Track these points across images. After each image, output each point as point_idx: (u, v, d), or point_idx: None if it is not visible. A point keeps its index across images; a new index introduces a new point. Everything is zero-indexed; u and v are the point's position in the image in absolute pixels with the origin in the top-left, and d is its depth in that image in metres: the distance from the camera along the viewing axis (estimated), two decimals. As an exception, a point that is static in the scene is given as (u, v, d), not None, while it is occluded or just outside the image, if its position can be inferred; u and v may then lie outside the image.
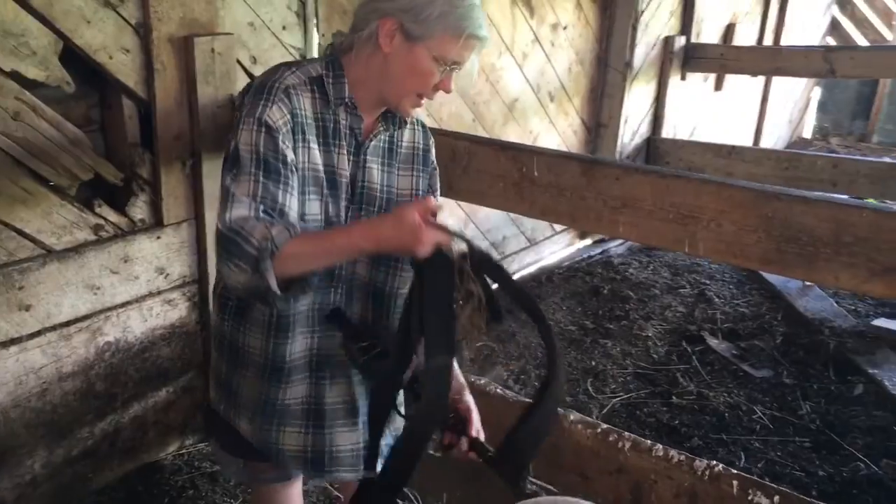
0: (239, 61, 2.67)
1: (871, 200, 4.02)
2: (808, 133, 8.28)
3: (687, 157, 5.26)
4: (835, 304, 4.31)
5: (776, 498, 1.88)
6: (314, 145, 1.55)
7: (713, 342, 3.96)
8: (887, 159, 5.72)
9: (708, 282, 4.71)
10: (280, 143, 1.47)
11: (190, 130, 2.57)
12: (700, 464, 1.99)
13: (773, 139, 7.46)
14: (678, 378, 3.64)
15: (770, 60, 5.28)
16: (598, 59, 5.06)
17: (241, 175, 1.46)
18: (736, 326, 4.14)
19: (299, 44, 2.98)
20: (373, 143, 1.62)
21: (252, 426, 1.68)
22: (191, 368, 2.85)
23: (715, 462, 1.98)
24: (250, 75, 2.83)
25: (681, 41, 5.35)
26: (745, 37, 6.30)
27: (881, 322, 4.03)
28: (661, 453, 2.04)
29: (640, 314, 4.25)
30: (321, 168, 1.56)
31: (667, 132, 5.53)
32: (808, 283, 4.51)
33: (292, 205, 1.48)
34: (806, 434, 3.23)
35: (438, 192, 1.74)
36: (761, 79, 6.72)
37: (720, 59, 5.37)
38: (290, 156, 1.49)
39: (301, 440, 1.67)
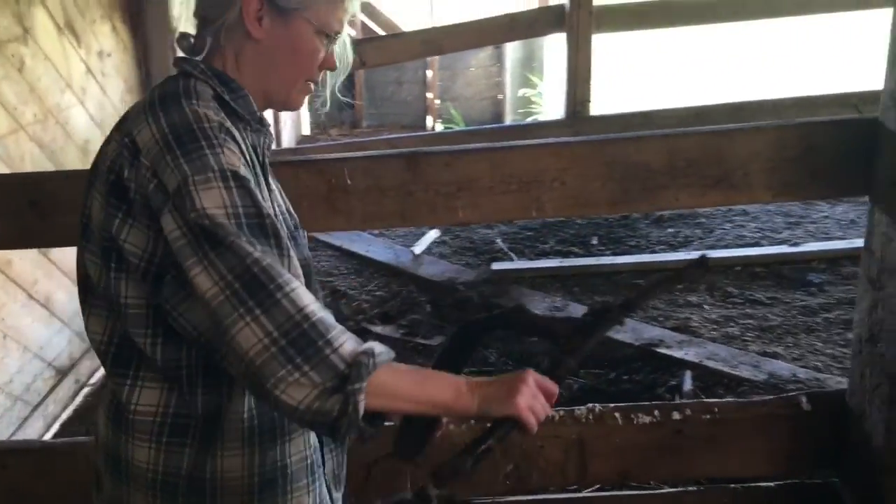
0: None
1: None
2: (307, 130, 8.78)
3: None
4: (449, 264, 4.75)
5: (655, 412, 2.08)
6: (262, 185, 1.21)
7: (378, 329, 4.06)
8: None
9: (331, 279, 4.76)
10: (258, 196, 1.09)
11: None
12: (580, 411, 2.08)
13: (288, 140, 7.75)
14: (375, 372, 3.66)
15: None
16: (143, 85, 4.67)
17: (247, 249, 1.03)
18: (385, 309, 4.29)
19: None
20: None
21: None
22: None
23: (592, 404, 2.09)
24: None
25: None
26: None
27: (496, 266, 4.58)
28: (540, 418, 2.07)
29: (295, 329, 4.12)
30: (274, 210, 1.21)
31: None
32: (416, 253, 4.88)
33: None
34: (510, 375, 3.55)
35: None
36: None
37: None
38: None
39: None
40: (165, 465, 1.19)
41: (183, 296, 1.08)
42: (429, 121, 8.91)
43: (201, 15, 1.25)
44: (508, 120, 8.79)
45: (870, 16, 5.49)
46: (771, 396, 2.21)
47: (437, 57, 8.50)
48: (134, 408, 1.17)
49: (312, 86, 1.32)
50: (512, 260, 4.75)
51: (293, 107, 1.32)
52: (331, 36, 1.26)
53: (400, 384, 1.10)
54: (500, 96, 8.86)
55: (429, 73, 8.78)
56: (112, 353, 1.19)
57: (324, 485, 1.34)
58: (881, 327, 1.86)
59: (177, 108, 1.14)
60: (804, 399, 2.06)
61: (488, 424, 1.18)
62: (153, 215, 1.08)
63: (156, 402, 1.17)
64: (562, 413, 2.09)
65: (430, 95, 8.85)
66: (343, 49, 1.34)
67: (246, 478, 1.21)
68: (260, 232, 1.07)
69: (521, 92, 8.57)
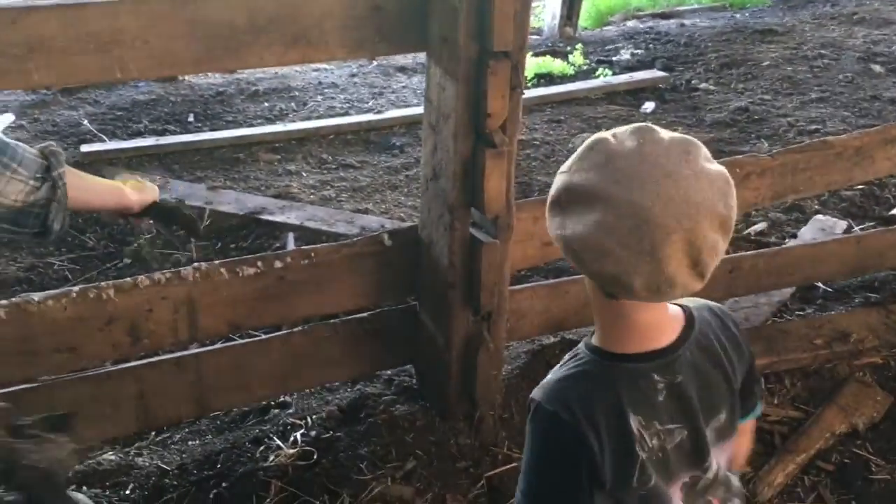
0: None
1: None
2: None
3: None
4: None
5: (259, 263, 2.22)
6: None
7: None
8: None
9: None
10: None
11: None
12: (187, 271, 2.14)
13: None
14: None
15: None
16: None
17: None
18: None
19: None
20: None
21: None
22: None
23: (197, 263, 2.16)
24: None
25: None
26: None
27: (86, 148, 4.30)
28: (147, 283, 2.09)
29: None
30: None
31: None
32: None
33: None
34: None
35: None
36: None
37: None
38: None
39: None
40: None
41: None
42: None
43: None
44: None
45: None
46: (359, 237, 2.48)
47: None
48: None
49: None
50: (103, 141, 4.49)
51: None
52: None
53: (86, 178, 1.41)
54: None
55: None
56: None
57: None
58: (441, 166, 2.18)
59: None
60: (386, 236, 2.35)
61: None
62: None
63: None
64: (168, 275, 2.13)
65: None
66: None
67: None
68: None
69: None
